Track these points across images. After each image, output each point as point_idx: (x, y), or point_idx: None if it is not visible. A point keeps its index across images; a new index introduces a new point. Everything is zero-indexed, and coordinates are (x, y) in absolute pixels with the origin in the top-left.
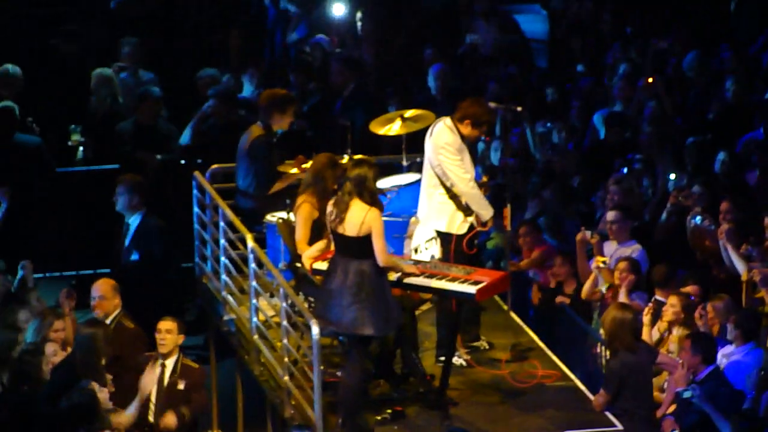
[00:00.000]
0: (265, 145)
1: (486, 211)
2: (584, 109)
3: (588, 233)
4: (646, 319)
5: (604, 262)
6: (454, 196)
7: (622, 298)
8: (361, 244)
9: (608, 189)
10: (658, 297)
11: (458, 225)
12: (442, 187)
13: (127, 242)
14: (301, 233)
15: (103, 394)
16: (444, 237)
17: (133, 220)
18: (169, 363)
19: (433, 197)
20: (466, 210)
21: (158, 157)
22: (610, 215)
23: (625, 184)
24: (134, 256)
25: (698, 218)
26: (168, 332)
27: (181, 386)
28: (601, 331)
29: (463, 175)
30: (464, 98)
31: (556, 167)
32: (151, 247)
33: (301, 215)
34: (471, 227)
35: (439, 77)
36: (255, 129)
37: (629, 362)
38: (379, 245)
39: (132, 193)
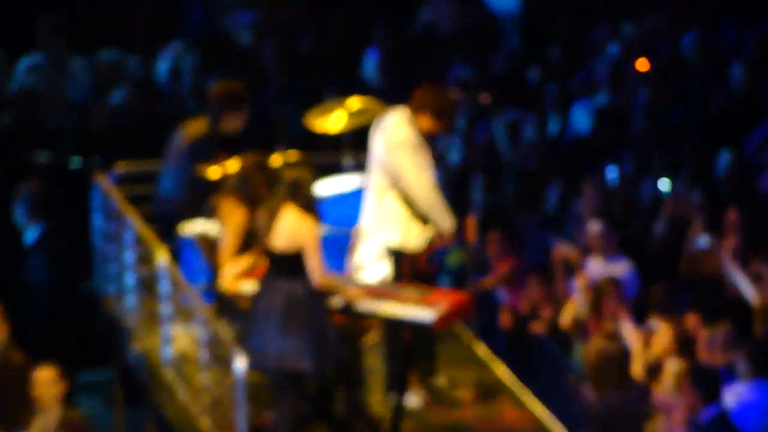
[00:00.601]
0: (207, 147)
1: (447, 221)
2: (563, 98)
3: (567, 248)
4: (635, 349)
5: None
6: (408, 203)
7: (624, 327)
8: (293, 261)
9: (589, 194)
10: (652, 323)
11: (413, 238)
12: (395, 191)
13: (26, 259)
14: (229, 245)
15: None
16: (396, 253)
17: (31, 234)
18: (51, 415)
19: (383, 204)
20: (423, 219)
21: (45, 157)
22: (593, 226)
23: (610, 188)
24: (33, 275)
25: (704, 241)
26: (46, 385)
27: None
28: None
29: (421, 176)
30: (420, 85)
31: (528, 168)
32: (51, 265)
33: (226, 224)
34: (429, 241)
35: (381, 68)
36: (198, 125)
37: (615, 402)
38: (314, 262)
39: (30, 203)
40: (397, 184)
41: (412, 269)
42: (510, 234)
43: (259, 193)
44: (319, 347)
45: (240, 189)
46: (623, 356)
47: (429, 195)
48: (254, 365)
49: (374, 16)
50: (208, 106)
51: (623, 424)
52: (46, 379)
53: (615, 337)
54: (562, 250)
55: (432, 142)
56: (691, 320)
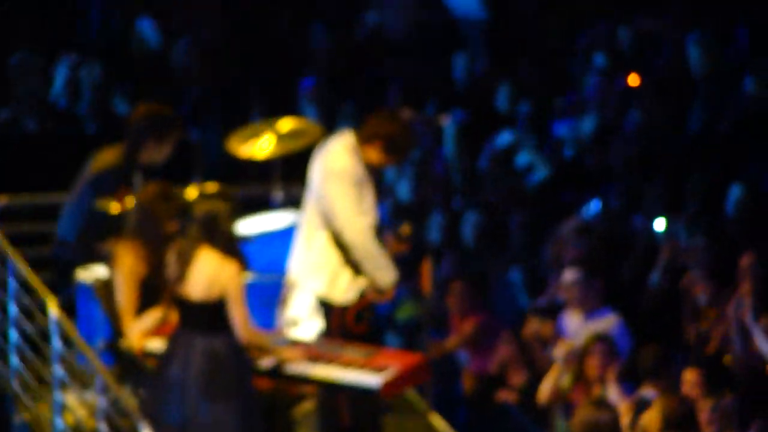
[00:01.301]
0: (115, 180)
1: (385, 275)
2: (537, 119)
3: (539, 322)
4: (625, 421)
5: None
6: (340, 246)
7: (613, 396)
8: (212, 313)
9: (564, 237)
10: (645, 392)
11: (342, 289)
12: (325, 231)
13: None
14: (126, 297)
15: None
16: (324, 305)
17: None
18: None
19: (313, 245)
20: (356, 267)
21: None
22: (569, 275)
23: (591, 229)
24: None
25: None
26: None
27: None
28: None
29: (357, 219)
30: (371, 110)
31: (495, 203)
32: None
33: (122, 271)
34: (361, 294)
35: (315, 98)
36: (109, 155)
37: None
38: (238, 313)
39: None
40: (329, 223)
41: (340, 327)
42: (475, 285)
43: (163, 229)
44: (245, 417)
45: (138, 226)
46: (616, 427)
47: (365, 242)
48: None
49: (314, 17)
50: (127, 132)
51: None
52: None
53: (605, 405)
54: (534, 324)
55: (378, 174)
56: (692, 388)
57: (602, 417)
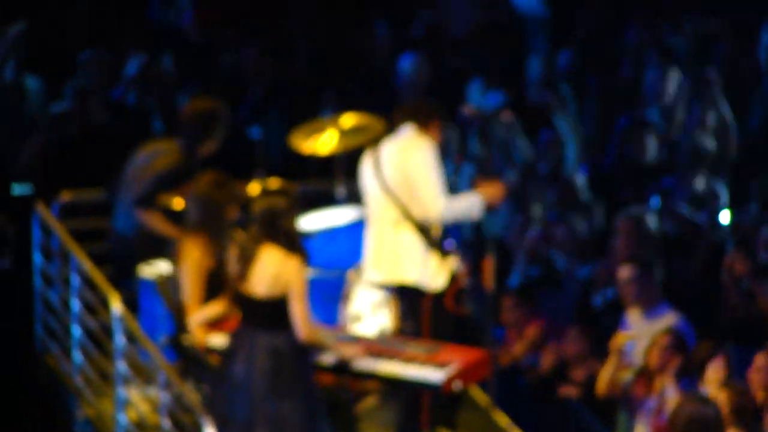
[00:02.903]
0: (180, 177)
1: (475, 210)
2: (601, 112)
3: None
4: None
5: (628, 338)
6: (425, 233)
7: (669, 390)
8: (275, 310)
9: (620, 231)
10: (709, 386)
11: (434, 274)
12: (408, 221)
13: None
14: (191, 291)
15: None
16: (413, 294)
17: None
18: None
19: (395, 238)
20: (442, 251)
21: None
22: (624, 271)
23: (646, 222)
24: None
25: None
26: None
27: None
28: None
29: (438, 199)
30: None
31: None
32: (10, 313)
33: (188, 265)
34: (454, 277)
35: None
36: (169, 150)
37: None
38: (300, 311)
39: None
40: (411, 212)
41: (437, 313)
42: (525, 294)
43: (225, 217)
44: (311, 413)
45: (200, 217)
46: (720, 422)
47: (447, 216)
48: None
49: (377, 15)
50: (182, 129)
51: None
52: None
53: (707, 400)
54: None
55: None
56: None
57: (708, 412)
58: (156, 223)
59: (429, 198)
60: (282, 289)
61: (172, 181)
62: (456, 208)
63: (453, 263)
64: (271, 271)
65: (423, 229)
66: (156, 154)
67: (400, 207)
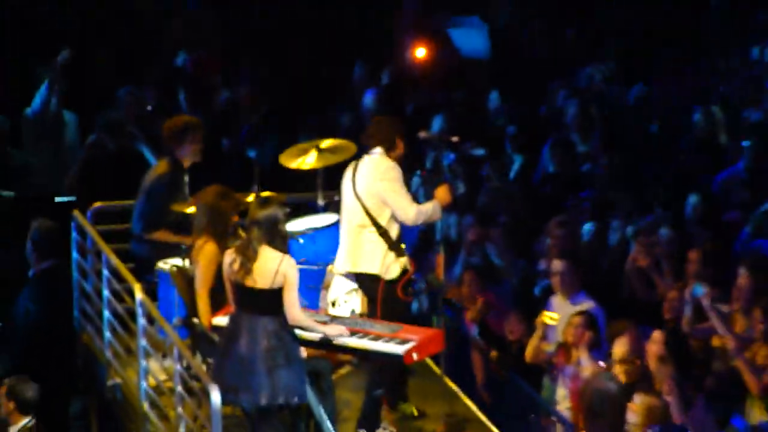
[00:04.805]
0: (171, 184)
1: (438, 213)
2: (522, 138)
3: (550, 316)
4: None
5: (552, 318)
6: (385, 236)
7: (583, 360)
8: (273, 298)
9: (552, 232)
10: (616, 358)
11: (391, 267)
12: (373, 225)
13: (26, 294)
14: (202, 283)
15: None
16: (372, 282)
17: (38, 271)
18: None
19: (362, 237)
20: (398, 251)
21: (9, 193)
22: (556, 265)
23: (572, 226)
24: (32, 309)
25: (699, 289)
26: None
27: None
28: (564, 404)
29: (410, 207)
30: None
31: (495, 208)
32: (54, 302)
33: (204, 257)
34: (404, 271)
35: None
36: (161, 164)
37: None
38: (291, 298)
39: (41, 240)
40: (376, 218)
41: (389, 297)
42: (482, 274)
43: (227, 222)
44: (301, 381)
45: (209, 222)
46: (625, 398)
47: (419, 219)
48: (231, 399)
49: (353, 57)
50: (163, 143)
51: None
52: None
53: (613, 377)
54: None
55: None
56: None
57: (612, 387)
58: (165, 237)
59: (402, 207)
60: (279, 281)
61: (161, 190)
62: (424, 211)
63: (404, 261)
64: (271, 267)
65: (384, 233)
66: (148, 172)
67: (367, 214)
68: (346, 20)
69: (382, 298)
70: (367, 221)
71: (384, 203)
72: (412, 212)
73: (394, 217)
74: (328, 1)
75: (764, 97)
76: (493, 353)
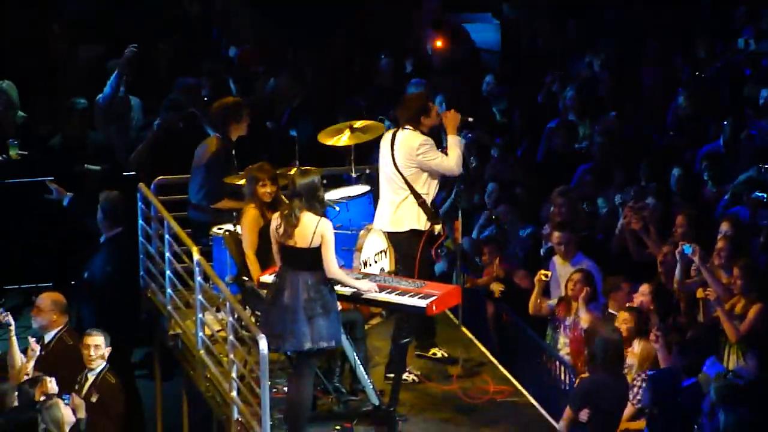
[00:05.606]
0: (224, 158)
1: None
2: (528, 118)
3: (544, 274)
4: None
5: (546, 275)
6: (423, 205)
7: (581, 312)
8: (312, 255)
9: (555, 202)
10: (611, 310)
11: (423, 221)
12: (412, 193)
13: (101, 256)
14: (249, 240)
15: None
16: (413, 237)
17: (109, 236)
18: (91, 376)
19: (403, 203)
20: (432, 216)
21: (96, 168)
22: (556, 235)
23: (571, 196)
24: (107, 270)
25: (688, 248)
26: (96, 347)
27: (94, 399)
28: (564, 349)
29: (444, 161)
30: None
31: (504, 180)
32: (114, 262)
33: (245, 222)
34: (438, 235)
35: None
36: (213, 141)
37: (605, 384)
38: (329, 255)
39: (110, 210)
40: (414, 185)
41: (424, 252)
42: (496, 241)
43: (262, 190)
44: (337, 330)
45: (251, 191)
46: (622, 347)
47: (454, 167)
48: (278, 346)
49: (379, 48)
50: (213, 122)
51: (609, 406)
52: (97, 343)
53: (616, 328)
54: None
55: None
56: (644, 299)
57: (614, 336)
58: (229, 205)
59: (445, 168)
60: (317, 240)
61: (218, 164)
62: (455, 155)
63: (439, 227)
64: (310, 228)
65: (422, 202)
66: (201, 148)
67: (406, 182)
68: (374, 17)
69: (421, 251)
70: (406, 188)
71: (425, 171)
72: (452, 164)
73: (428, 184)
74: (358, 2)
75: (745, 81)
76: (497, 285)
